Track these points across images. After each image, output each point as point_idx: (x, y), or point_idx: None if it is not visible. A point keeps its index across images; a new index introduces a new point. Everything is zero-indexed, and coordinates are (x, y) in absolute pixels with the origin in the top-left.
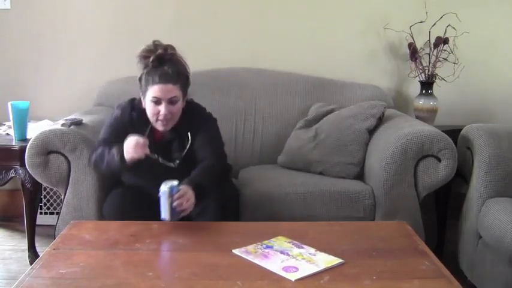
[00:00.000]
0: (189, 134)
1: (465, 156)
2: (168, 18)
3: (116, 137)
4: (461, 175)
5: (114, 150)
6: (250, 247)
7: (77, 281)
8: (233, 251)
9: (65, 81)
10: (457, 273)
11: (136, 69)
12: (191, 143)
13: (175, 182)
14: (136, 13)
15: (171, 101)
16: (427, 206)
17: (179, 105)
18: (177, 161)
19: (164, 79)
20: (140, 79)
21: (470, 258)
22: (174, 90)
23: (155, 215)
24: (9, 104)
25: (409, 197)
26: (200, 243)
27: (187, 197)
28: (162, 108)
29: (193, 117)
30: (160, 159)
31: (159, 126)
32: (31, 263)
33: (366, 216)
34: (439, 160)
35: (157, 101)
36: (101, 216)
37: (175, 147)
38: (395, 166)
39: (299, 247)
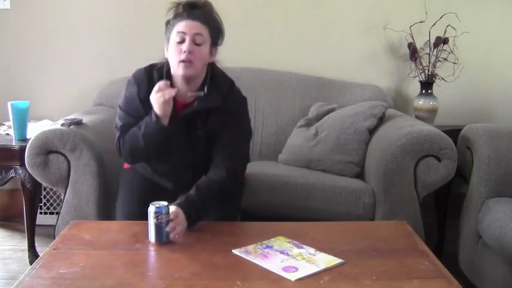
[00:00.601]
0: (205, 88)
1: (465, 156)
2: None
3: (133, 116)
4: (461, 175)
5: (145, 119)
6: (250, 247)
7: (77, 281)
8: (233, 251)
9: (65, 81)
10: (457, 273)
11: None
12: (214, 120)
13: (164, 203)
14: (136, 13)
15: (195, 41)
16: (427, 206)
17: (204, 50)
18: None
19: (193, 16)
20: (167, 23)
21: (470, 258)
22: (201, 28)
23: None
24: (9, 104)
25: (409, 196)
26: (200, 243)
27: (178, 221)
28: (185, 45)
29: (221, 88)
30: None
31: (181, 70)
32: (31, 263)
33: (365, 215)
34: (439, 160)
35: (181, 40)
36: (103, 216)
37: (200, 122)
38: (395, 166)
39: (299, 247)
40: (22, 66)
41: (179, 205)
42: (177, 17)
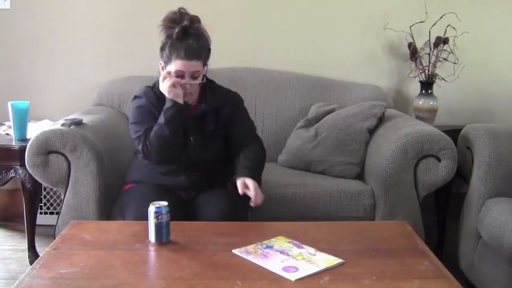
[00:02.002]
0: (202, 104)
1: (465, 156)
2: None
3: (151, 120)
4: (461, 175)
5: (162, 111)
6: (250, 247)
7: (77, 281)
8: (233, 251)
9: (65, 81)
10: (457, 273)
11: (136, 69)
12: (221, 117)
13: (164, 203)
14: (136, 13)
15: (193, 76)
16: (427, 206)
17: (200, 79)
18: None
19: (189, 55)
20: (162, 49)
21: (470, 258)
22: (197, 66)
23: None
24: (9, 104)
25: (409, 197)
26: (200, 243)
27: (256, 190)
28: (185, 84)
29: (221, 93)
30: None
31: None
32: (31, 263)
33: (366, 216)
34: (439, 160)
35: (180, 75)
36: (103, 216)
37: (209, 119)
38: (395, 166)
39: (299, 247)
40: (22, 66)
41: (246, 175)
42: (173, 49)
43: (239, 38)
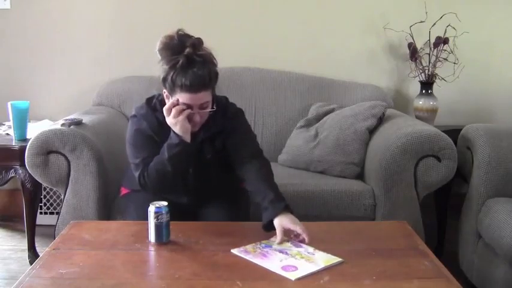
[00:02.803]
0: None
1: (465, 156)
2: (167, 19)
3: (151, 148)
4: (461, 175)
5: (166, 144)
6: (249, 246)
7: (77, 281)
8: (232, 250)
9: (65, 81)
10: (457, 273)
11: (136, 69)
12: (217, 144)
13: (164, 203)
14: (136, 13)
15: (202, 107)
16: (427, 206)
17: (209, 107)
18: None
19: (196, 87)
20: (165, 80)
21: (470, 258)
22: (206, 96)
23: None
24: (9, 104)
25: (409, 197)
26: (200, 243)
27: (302, 228)
28: (193, 115)
29: (224, 116)
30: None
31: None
32: (31, 263)
33: (366, 216)
34: (439, 160)
35: (188, 107)
36: (103, 216)
37: (207, 148)
38: (395, 166)
39: (297, 246)
40: (22, 66)
41: (286, 210)
42: (177, 80)
43: (239, 38)
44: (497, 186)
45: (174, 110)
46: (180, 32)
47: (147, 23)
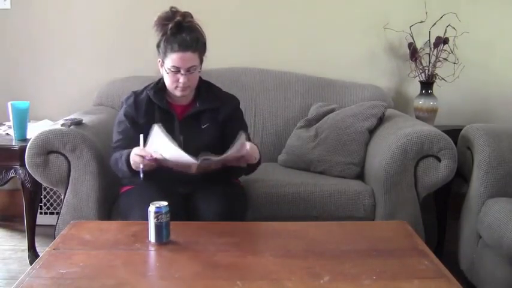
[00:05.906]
0: (197, 103)
1: (465, 156)
2: None
3: (126, 138)
4: (461, 175)
5: (124, 162)
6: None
7: (77, 281)
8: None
9: (65, 81)
10: (457, 273)
11: (136, 69)
12: (220, 116)
13: (164, 203)
14: (136, 13)
15: (189, 70)
16: (427, 206)
17: (197, 74)
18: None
19: (183, 47)
20: (158, 46)
21: (470, 258)
22: (192, 59)
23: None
24: (9, 104)
25: (409, 197)
26: (200, 243)
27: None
28: (181, 77)
29: (218, 93)
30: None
31: (178, 93)
32: (31, 263)
33: (366, 216)
34: (439, 160)
35: (176, 71)
36: (103, 216)
37: (205, 118)
38: (395, 166)
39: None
40: (22, 66)
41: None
42: (168, 44)
43: (239, 38)
44: (497, 186)
45: (139, 159)
46: (172, 8)
47: (147, 23)
